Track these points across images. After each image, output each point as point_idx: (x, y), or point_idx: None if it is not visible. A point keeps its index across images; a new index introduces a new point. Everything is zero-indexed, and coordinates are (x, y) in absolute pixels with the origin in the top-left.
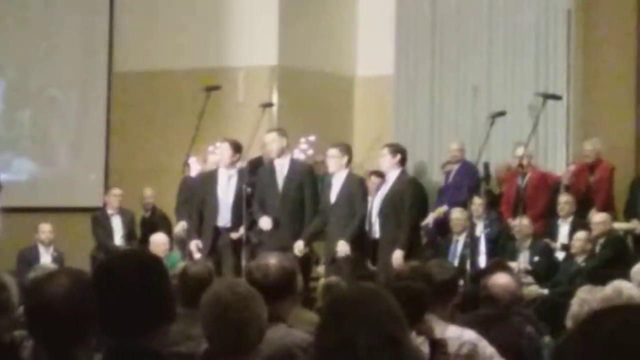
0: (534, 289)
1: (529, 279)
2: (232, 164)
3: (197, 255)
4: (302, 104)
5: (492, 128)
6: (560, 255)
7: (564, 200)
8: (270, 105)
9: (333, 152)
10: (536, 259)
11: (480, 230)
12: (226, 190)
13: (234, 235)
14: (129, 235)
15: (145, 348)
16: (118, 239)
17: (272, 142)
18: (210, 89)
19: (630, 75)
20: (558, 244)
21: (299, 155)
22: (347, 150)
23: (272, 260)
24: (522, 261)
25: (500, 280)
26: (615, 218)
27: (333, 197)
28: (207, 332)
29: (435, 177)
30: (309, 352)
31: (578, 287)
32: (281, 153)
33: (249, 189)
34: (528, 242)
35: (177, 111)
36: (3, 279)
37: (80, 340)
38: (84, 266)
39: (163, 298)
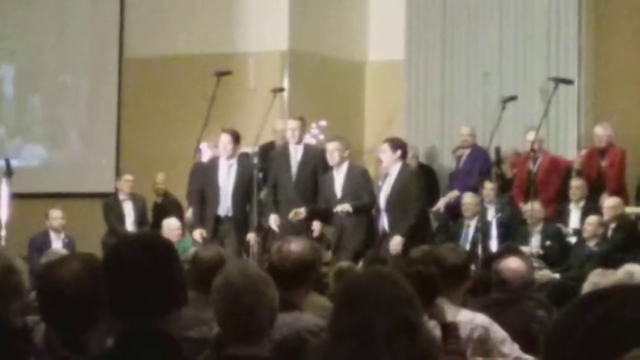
0: (545, 273)
1: (541, 263)
2: (232, 155)
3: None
4: (313, 89)
5: (503, 112)
6: (572, 239)
7: (576, 184)
8: (281, 90)
9: (334, 145)
10: (548, 243)
11: (491, 214)
12: (226, 180)
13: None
14: (140, 220)
15: (157, 332)
16: (129, 224)
17: (296, 129)
18: (221, 74)
19: None
20: (570, 229)
21: (309, 140)
22: (347, 142)
23: (294, 247)
24: (534, 245)
25: (512, 264)
26: (626, 202)
27: (338, 190)
28: (219, 316)
29: (447, 162)
30: (320, 337)
31: (589, 272)
32: (299, 140)
33: (260, 174)
34: (539, 227)
35: (188, 96)
36: (14, 263)
37: (92, 324)
38: (95, 252)
39: (174, 281)
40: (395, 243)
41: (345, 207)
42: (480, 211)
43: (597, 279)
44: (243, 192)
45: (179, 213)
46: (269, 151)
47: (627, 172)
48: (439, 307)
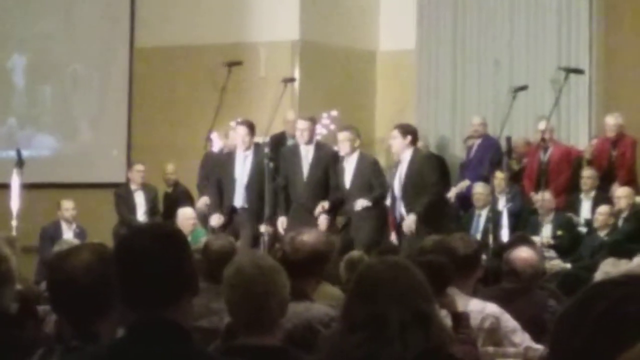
0: (556, 263)
1: (552, 253)
2: (249, 147)
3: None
4: (324, 78)
5: (514, 102)
6: (582, 229)
7: (588, 174)
8: (292, 80)
9: (345, 135)
10: (559, 233)
11: (502, 204)
12: (242, 171)
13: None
14: (151, 210)
15: (168, 321)
16: (141, 214)
17: (305, 130)
18: (232, 64)
19: None
20: (581, 219)
21: (321, 130)
22: (357, 132)
23: (308, 238)
24: (545, 235)
25: (523, 254)
26: (637, 192)
27: (347, 180)
28: (230, 306)
29: (458, 152)
30: (331, 327)
31: (600, 261)
32: (310, 141)
33: (271, 164)
34: (550, 217)
35: (199, 86)
36: (2, 251)
37: (103, 314)
38: (106, 242)
39: (185, 271)
40: (409, 222)
41: (364, 204)
42: (491, 201)
43: (608, 268)
44: (259, 182)
45: (189, 203)
46: (280, 141)
47: (638, 161)
48: (450, 297)
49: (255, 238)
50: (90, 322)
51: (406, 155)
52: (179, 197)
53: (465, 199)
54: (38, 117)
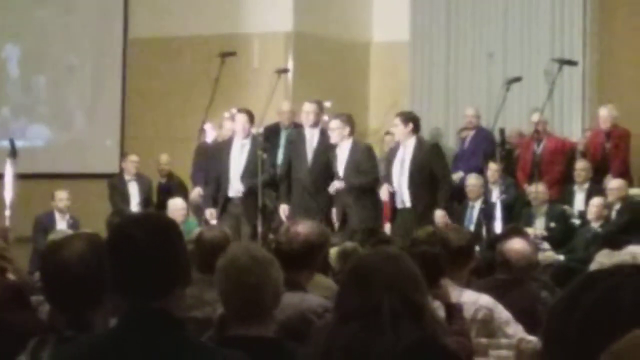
0: (549, 255)
1: (545, 245)
2: (248, 134)
3: (213, 222)
4: (318, 70)
5: (507, 94)
6: (576, 221)
7: (581, 166)
8: (285, 71)
9: (335, 123)
10: (552, 225)
11: (496, 196)
12: (238, 160)
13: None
14: (145, 201)
15: (161, 311)
16: (134, 205)
17: (310, 113)
18: (226, 55)
19: None
20: (575, 211)
21: None
22: (348, 120)
23: (302, 229)
24: (538, 227)
25: (516, 245)
26: (631, 184)
27: (340, 168)
28: (223, 296)
29: (451, 144)
30: (325, 317)
31: (594, 253)
32: (316, 124)
33: (264, 155)
34: (544, 208)
35: (193, 77)
36: None
37: (96, 304)
38: (100, 232)
39: (178, 261)
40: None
41: (337, 185)
42: (484, 193)
43: (603, 259)
44: (255, 172)
45: (183, 194)
46: (273, 132)
47: (631, 153)
48: (444, 288)
49: (254, 227)
50: (83, 312)
51: (409, 144)
52: (172, 188)
53: (459, 191)
54: (32, 108)
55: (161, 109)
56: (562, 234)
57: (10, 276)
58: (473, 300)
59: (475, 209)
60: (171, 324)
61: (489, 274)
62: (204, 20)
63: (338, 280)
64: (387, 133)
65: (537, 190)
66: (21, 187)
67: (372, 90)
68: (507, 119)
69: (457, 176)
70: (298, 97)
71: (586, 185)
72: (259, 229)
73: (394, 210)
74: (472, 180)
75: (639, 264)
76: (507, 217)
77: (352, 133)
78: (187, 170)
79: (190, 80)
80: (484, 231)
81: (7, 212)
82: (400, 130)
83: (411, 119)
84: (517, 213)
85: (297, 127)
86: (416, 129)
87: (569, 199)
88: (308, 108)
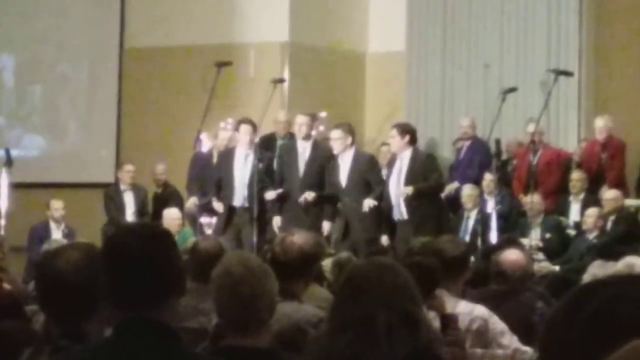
0: (545, 266)
1: (540, 255)
2: (251, 145)
3: (209, 231)
4: (313, 80)
5: (503, 104)
6: (571, 231)
7: (577, 177)
8: (281, 81)
9: (336, 133)
10: (547, 235)
11: (491, 206)
12: (243, 170)
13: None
14: (140, 211)
15: (156, 321)
16: (130, 214)
17: (303, 125)
18: (222, 64)
19: None
20: (570, 222)
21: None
22: (350, 129)
23: (298, 239)
24: (534, 238)
25: (511, 256)
26: (626, 194)
27: (343, 178)
28: (218, 307)
29: (447, 154)
30: (320, 328)
31: (589, 264)
32: (308, 137)
33: (260, 165)
34: (539, 219)
35: (188, 87)
36: None
37: (91, 313)
38: (95, 242)
39: (172, 271)
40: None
41: (370, 204)
42: (480, 203)
43: (596, 270)
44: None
45: (179, 203)
46: (269, 142)
47: (627, 164)
48: (439, 299)
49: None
50: (78, 321)
51: (405, 155)
52: (168, 197)
53: (454, 201)
54: (27, 117)
55: (157, 118)
56: (558, 244)
57: (6, 286)
58: (468, 310)
59: (470, 219)
60: (166, 334)
61: (484, 285)
62: (199, 30)
63: (333, 291)
64: (384, 144)
65: (532, 200)
66: (16, 196)
67: (367, 100)
68: (503, 130)
69: (452, 187)
70: (294, 107)
71: (582, 196)
72: (254, 239)
73: (392, 223)
74: (468, 191)
75: (638, 274)
76: (503, 228)
77: (353, 143)
78: (183, 180)
79: (186, 90)
80: (479, 241)
81: (3, 222)
82: (396, 142)
83: (408, 131)
84: (513, 223)
85: (293, 137)
86: (413, 141)
87: (564, 210)
88: (300, 120)
